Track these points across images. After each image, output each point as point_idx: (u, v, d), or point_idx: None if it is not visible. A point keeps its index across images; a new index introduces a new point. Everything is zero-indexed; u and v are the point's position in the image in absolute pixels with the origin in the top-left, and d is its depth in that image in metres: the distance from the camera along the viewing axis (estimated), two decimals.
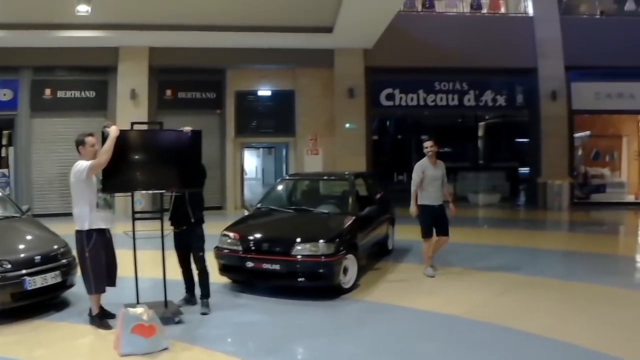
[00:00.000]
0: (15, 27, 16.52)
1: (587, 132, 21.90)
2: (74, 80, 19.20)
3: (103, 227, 7.19)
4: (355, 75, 19.83)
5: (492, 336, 6.66)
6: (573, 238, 15.38)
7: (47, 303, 7.85)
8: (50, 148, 18.60)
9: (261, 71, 20.28)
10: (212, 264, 8.35)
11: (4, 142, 19.37)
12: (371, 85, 20.39)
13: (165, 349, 6.25)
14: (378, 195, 11.16)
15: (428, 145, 9.58)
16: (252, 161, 24.96)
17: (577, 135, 21.60)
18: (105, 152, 6.82)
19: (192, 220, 7.61)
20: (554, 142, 20.58)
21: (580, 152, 22.07)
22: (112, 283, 7.44)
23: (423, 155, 9.67)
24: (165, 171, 7.35)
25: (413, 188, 9.57)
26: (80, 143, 7.12)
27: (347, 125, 19.73)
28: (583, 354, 6.01)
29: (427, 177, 9.46)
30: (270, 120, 20.66)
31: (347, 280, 8.55)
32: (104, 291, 7.27)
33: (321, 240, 8.22)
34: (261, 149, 23.67)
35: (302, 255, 8.17)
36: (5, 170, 18.72)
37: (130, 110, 18.12)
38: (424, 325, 7.15)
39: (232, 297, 8.51)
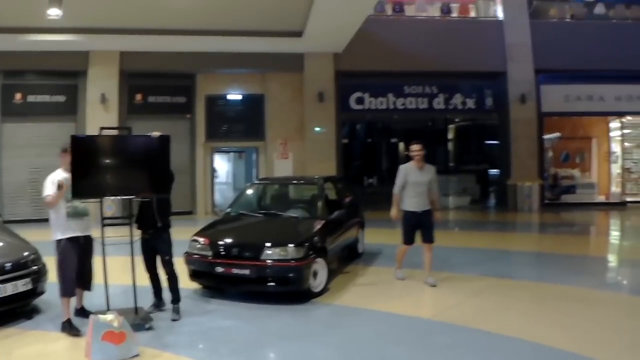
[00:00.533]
0: None
1: (557, 134, 22.23)
2: (44, 84, 19.05)
3: (75, 235, 7.22)
4: (325, 80, 19.93)
5: (462, 338, 6.71)
6: (543, 239, 15.61)
7: (17, 311, 7.76)
8: (20, 153, 18.40)
9: (231, 75, 20.31)
10: (181, 269, 8.35)
11: None
12: (341, 89, 20.49)
13: (136, 355, 6.23)
14: (347, 199, 11.21)
15: (415, 148, 9.21)
16: (222, 165, 24.89)
17: (546, 137, 21.91)
18: (51, 199, 7.11)
19: (159, 225, 7.60)
20: (524, 144, 20.87)
21: (550, 153, 22.40)
22: (87, 287, 7.57)
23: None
24: (134, 177, 7.34)
25: (395, 191, 9.35)
26: (64, 151, 7.20)
27: (317, 129, 19.82)
28: (554, 355, 6.09)
29: (410, 183, 9.16)
30: (240, 125, 20.66)
31: (317, 284, 8.58)
32: (71, 295, 7.31)
33: (290, 245, 8.23)
34: (231, 154, 23.60)
35: (271, 259, 8.16)
36: None
37: (100, 114, 18.02)
38: (394, 328, 7.19)
39: (202, 302, 8.49)
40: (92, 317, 6.39)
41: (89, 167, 7.02)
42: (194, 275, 8.79)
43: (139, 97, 19.67)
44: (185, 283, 8.56)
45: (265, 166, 20.23)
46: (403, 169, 9.31)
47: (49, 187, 7.23)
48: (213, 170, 23.14)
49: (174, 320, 7.58)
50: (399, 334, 6.95)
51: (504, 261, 11.59)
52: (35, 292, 7.89)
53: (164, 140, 7.46)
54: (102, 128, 7.31)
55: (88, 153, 7.08)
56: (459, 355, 6.21)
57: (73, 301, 7.46)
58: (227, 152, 23.18)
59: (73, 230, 7.23)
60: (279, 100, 20.11)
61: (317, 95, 19.74)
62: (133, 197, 7.50)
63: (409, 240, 9.34)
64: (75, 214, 7.22)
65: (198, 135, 20.15)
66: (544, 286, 9.22)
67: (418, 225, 9.27)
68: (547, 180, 21.81)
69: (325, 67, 19.93)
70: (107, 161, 7.23)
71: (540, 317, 7.50)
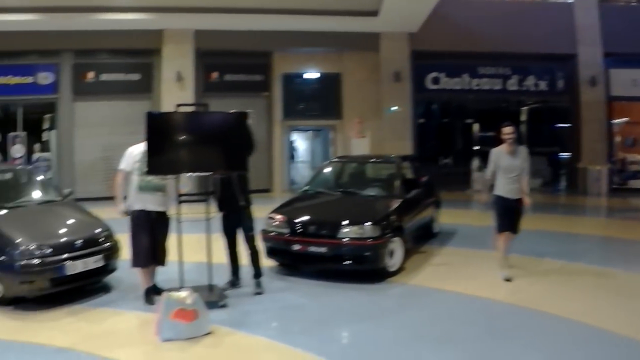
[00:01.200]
0: (55, 10, 16.69)
1: (626, 119, 21.60)
2: (117, 63, 19.26)
3: (147, 209, 7.39)
4: (401, 59, 19.80)
5: (530, 322, 6.69)
6: (612, 224, 15.18)
7: (88, 288, 7.98)
8: (93, 131, 18.72)
9: (307, 54, 20.26)
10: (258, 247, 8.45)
11: (46, 125, 19.49)
12: (416, 69, 20.28)
13: (208, 333, 6.30)
14: (423, 179, 11.10)
15: (506, 131, 8.40)
16: (300, 144, 25.06)
17: (615, 121, 21.33)
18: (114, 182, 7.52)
19: (241, 204, 7.70)
20: (593, 127, 20.45)
21: (618, 138, 21.81)
22: (160, 263, 7.67)
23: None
24: (210, 153, 7.38)
25: (486, 176, 8.71)
26: None
27: (392, 108, 19.72)
28: (620, 342, 6.01)
29: (501, 168, 8.42)
30: (317, 103, 20.58)
31: (393, 263, 8.58)
32: (143, 266, 7.50)
33: (367, 223, 8.24)
34: (309, 132, 23.70)
35: (348, 238, 8.19)
36: (46, 154, 18.88)
37: (175, 93, 18.18)
38: (465, 310, 7.20)
39: (277, 280, 8.58)
40: (164, 294, 6.52)
41: (163, 143, 7.13)
42: (270, 252, 8.87)
43: (214, 75, 19.80)
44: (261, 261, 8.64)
45: (342, 145, 20.15)
46: (494, 153, 8.60)
47: (124, 161, 7.47)
48: (293, 149, 23.39)
49: (257, 293, 7.75)
50: (469, 316, 6.97)
51: (575, 245, 11.39)
52: (106, 269, 8.08)
53: (242, 116, 7.57)
54: (179, 105, 7.48)
55: (163, 130, 7.21)
56: (525, 338, 6.20)
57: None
58: (305, 130, 23.28)
59: (144, 203, 7.39)
60: (355, 79, 20.01)
61: (393, 75, 19.62)
62: (209, 174, 7.65)
63: (503, 226, 8.52)
64: (148, 188, 7.36)
65: (275, 113, 20.19)
66: (612, 272, 8.97)
67: (510, 213, 8.52)
68: (615, 164, 21.22)
69: (400, 47, 19.78)
70: (183, 138, 7.30)
71: (607, 303, 7.38)
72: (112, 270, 8.25)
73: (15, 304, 7.39)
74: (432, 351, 5.90)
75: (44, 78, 18.67)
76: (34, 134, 19.02)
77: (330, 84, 20.45)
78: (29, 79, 18.57)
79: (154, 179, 7.35)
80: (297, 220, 8.67)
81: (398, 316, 7.04)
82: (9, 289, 7.33)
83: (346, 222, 8.33)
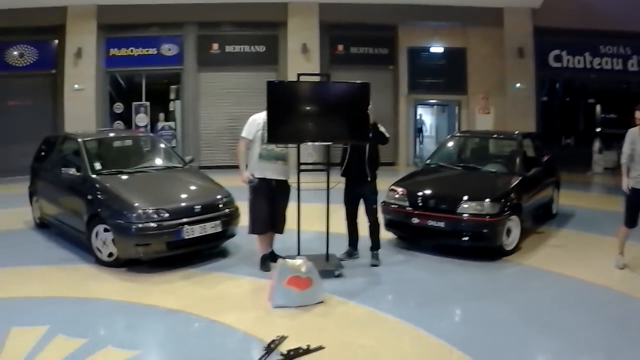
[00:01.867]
0: None
1: None
2: (242, 35, 19.50)
3: (266, 177, 7.42)
4: (524, 35, 18.97)
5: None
6: None
7: (206, 252, 8.18)
8: (217, 101, 19.12)
9: (432, 28, 19.80)
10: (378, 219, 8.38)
11: (171, 96, 19.95)
12: (539, 46, 19.35)
13: (320, 302, 6.30)
14: (545, 158, 10.61)
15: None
16: (427, 119, 24.73)
17: None
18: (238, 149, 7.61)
19: (369, 179, 7.66)
20: None
21: None
22: (279, 230, 7.72)
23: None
24: (332, 123, 7.31)
25: (622, 161, 7.79)
26: None
27: (517, 85, 19.00)
28: None
29: (637, 153, 7.56)
30: (442, 78, 20.15)
31: (510, 242, 8.34)
32: (260, 233, 7.57)
33: (487, 200, 8.03)
34: (436, 107, 23.29)
35: (467, 213, 8.02)
36: (171, 124, 19.40)
37: (301, 64, 18.06)
38: (576, 294, 6.91)
39: (395, 253, 8.54)
40: (279, 261, 6.57)
41: (284, 112, 7.13)
42: (389, 225, 8.84)
43: (340, 47, 19.75)
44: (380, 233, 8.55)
45: (467, 120, 19.67)
46: (630, 134, 7.69)
47: (246, 129, 7.51)
48: (420, 123, 23.09)
49: (373, 265, 7.74)
50: (581, 302, 6.67)
51: None
52: (224, 235, 8.20)
53: (365, 87, 7.40)
54: (300, 74, 7.44)
55: (284, 98, 7.23)
56: (631, 327, 5.89)
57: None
58: (432, 105, 22.91)
59: (265, 171, 7.41)
60: (480, 54, 19.38)
61: (517, 51, 18.82)
62: (330, 143, 7.62)
63: (630, 222, 7.74)
64: (269, 157, 7.38)
65: (400, 87, 19.96)
66: None
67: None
68: None
69: (523, 22, 18.93)
70: (303, 107, 7.30)
71: None
72: (231, 235, 8.40)
73: (129, 266, 7.67)
74: (540, 335, 5.68)
75: (168, 50, 19.18)
76: (158, 103, 19.60)
77: (455, 59, 19.93)
78: (152, 51, 19.14)
79: (275, 148, 7.38)
80: (417, 194, 8.56)
81: (510, 296, 6.85)
82: (123, 251, 7.62)
83: (465, 197, 8.14)
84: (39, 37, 18.59)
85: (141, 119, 19.03)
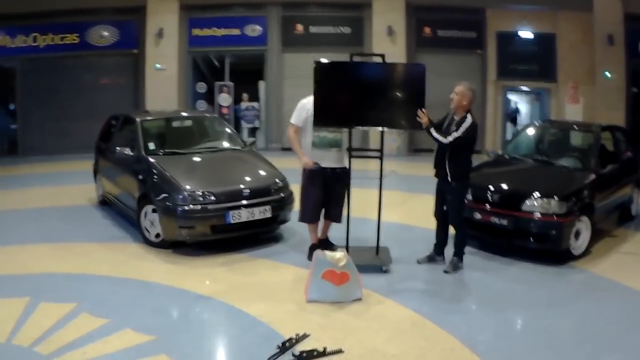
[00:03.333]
0: None
1: None
2: (327, 16, 19.35)
3: (321, 165, 7.07)
4: (614, 21, 17.70)
5: None
6: None
7: (261, 237, 8.03)
8: (302, 82, 18.83)
9: (521, 12, 18.90)
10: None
11: (254, 76, 19.99)
12: (630, 34, 17.97)
13: (358, 299, 5.97)
14: (626, 154, 9.70)
15: None
16: (522, 107, 23.69)
17: None
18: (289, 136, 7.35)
19: (449, 180, 6.94)
20: None
21: None
22: (335, 219, 7.38)
23: None
24: (385, 107, 6.81)
25: None
26: None
27: (608, 74, 17.80)
28: None
29: None
30: (531, 64, 19.28)
31: (578, 245, 7.63)
32: (310, 222, 7.29)
33: (554, 198, 7.35)
34: (529, 94, 22.32)
35: (531, 212, 7.37)
36: (255, 104, 19.43)
37: (386, 46, 17.73)
38: None
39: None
40: (316, 252, 6.14)
41: (332, 94, 6.78)
42: None
43: (427, 30, 19.24)
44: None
45: (557, 109, 18.75)
46: None
47: (295, 114, 7.21)
48: (514, 111, 22.26)
49: (445, 272, 7.03)
50: None
51: None
52: (275, 221, 7.98)
53: (420, 69, 6.93)
54: (352, 54, 7.06)
55: (332, 80, 6.88)
56: None
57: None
58: (525, 92, 21.99)
59: (318, 160, 7.07)
60: (569, 40, 18.40)
61: (607, 38, 17.59)
62: (381, 129, 7.06)
63: None
64: (321, 144, 7.02)
65: (489, 72, 19.26)
66: None
67: None
68: None
69: (614, 6, 17.64)
70: (353, 89, 6.86)
71: None
72: (283, 221, 8.20)
73: (175, 247, 7.60)
74: (592, 358, 5.00)
75: (252, 30, 19.22)
76: (241, 83, 19.67)
77: (544, 45, 19.01)
78: (236, 31, 19.22)
79: (328, 134, 7.01)
80: (481, 188, 7.94)
81: (568, 308, 6.11)
82: (168, 232, 7.54)
83: (531, 194, 7.48)
84: (121, 17, 19.05)
85: (224, 99, 19.20)
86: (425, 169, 8.41)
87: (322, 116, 6.70)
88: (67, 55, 18.71)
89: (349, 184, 7.13)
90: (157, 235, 7.70)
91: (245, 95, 19.40)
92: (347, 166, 7.12)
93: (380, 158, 7.05)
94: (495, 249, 7.84)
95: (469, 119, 6.76)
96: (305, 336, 5.00)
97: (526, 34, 19.23)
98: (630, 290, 6.68)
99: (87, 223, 9.21)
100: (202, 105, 19.44)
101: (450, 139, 6.71)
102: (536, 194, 7.47)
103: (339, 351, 4.78)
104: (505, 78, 19.42)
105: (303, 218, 7.31)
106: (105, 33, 18.87)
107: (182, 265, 7.10)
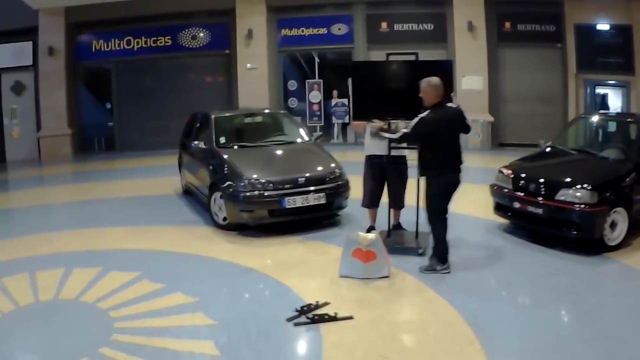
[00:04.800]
0: None
1: None
2: (410, 13, 19.60)
3: (374, 153, 7.91)
4: None
5: None
6: None
7: (325, 222, 8.89)
8: None
9: (598, 3, 18.48)
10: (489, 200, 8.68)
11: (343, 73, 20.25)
12: None
13: (385, 277, 6.59)
14: None
15: None
16: (611, 100, 23.20)
17: None
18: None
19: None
20: None
21: None
22: (397, 206, 8.10)
23: None
24: (416, 101, 7.05)
25: None
26: None
27: None
28: None
29: None
30: (610, 57, 18.84)
31: (615, 236, 7.68)
32: (370, 207, 8.19)
33: (585, 187, 7.56)
34: (617, 88, 21.83)
35: (565, 201, 7.64)
36: (344, 100, 19.80)
37: (468, 42, 18.30)
38: None
39: (495, 237, 8.40)
40: (348, 233, 6.95)
41: (368, 91, 7.57)
42: (497, 207, 8.73)
43: (507, 24, 19.24)
44: (490, 215, 8.76)
45: (637, 103, 18.21)
46: None
47: None
48: (600, 105, 21.90)
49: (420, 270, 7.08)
50: None
51: None
52: (330, 206, 8.78)
53: (446, 64, 7.64)
54: (389, 54, 7.76)
55: (368, 78, 7.69)
56: None
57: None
58: (613, 86, 21.53)
59: (373, 149, 7.92)
60: None
61: None
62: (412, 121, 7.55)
63: None
64: (377, 134, 7.64)
65: (569, 65, 18.96)
66: None
67: None
68: None
69: None
70: (387, 85, 7.69)
71: None
72: (338, 207, 9.01)
73: (240, 230, 8.60)
74: (590, 348, 5.07)
75: (338, 29, 19.87)
76: (331, 80, 20.42)
77: (621, 37, 18.49)
78: (323, 30, 19.96)
79: (383, 126, 7.61)
80: (521, 177, 8.39)
81: (581, 296, 6.35)
82: (231, 215, 8.55)
83: (563, 184, 7.81)
84: (212, 20, 20.30)
85: (314, 96, 20.10)
86: (504, 162, 9.03)
87: (359, 110, 7.63)
88: (160, 57, 20.23)
89: (405, 171, 7.98)
90: (224, 219, 8.71)
91: (334, 92, 20.05)
92: (405, 155, 7.92)
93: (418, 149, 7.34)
94: (538, 238, 8.12)
95: (420, 115, 6.84)
96: (325, 304, 5.79)
97: (603, 26, 18.84)
98: None
99: (168, 210, 10.46)
100: (293, 102, 20.39)
101: (397, 135, 7.15)
102: (569, 184, 7.76)
103: (350, 317, 5.53)
104: (585, 71, 19.08)
105: (363, 203, 8.26)
106: (200, 34, 20.17)
107: (240, 245, 8.11)
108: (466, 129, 7.04)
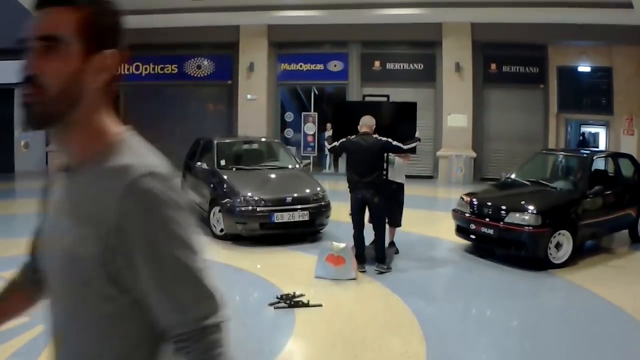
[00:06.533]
0: (343, 7, 19.02)
1: None
2: (402, 53, 20.78)
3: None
4: None
5: None
6: None
7: (304, 237, 10.08)
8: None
9: (579, 47, 19.75)
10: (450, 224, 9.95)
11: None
12: None
13: (353, 279, 7.89)
14: (634, 178, 10.76)
15: None
16: (590, 138, 24.09)
17: None
18: None
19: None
20: None
21: None
22: (394, 224, 9.31)
23: None
24: (387, 135, 8.44)
25: None
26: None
27: None
28: None
29: None
30: (590, 98, 20.07)
31: (560, 255, 8.82)
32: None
33: (530, 211, 8.77)
34: (596, 126, 22.68)
35: (513, 223, 8.79)
36: None
37: (455, 82, 19.40)
38: (590, 311, 7.18)
39: (456, 256, 9.67)
40: (324, 242, 8.41)
41: (346, 126, 8.87)
42: (458, 230, 9.93)
43: (493, 66, 20.24)
44: (454, 237, 9.98)
45: (615, 141, 19.37)
46: None
47: None
48: (583, 142, 22.89)
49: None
50: (587, 317, 6.99)
51: None
52: (313, 223, 10.07)
53: (412, 106, 9.00)
54: (365, 96, 9.13)
55: (346, 115, 9.21)
56: (612, 346, 6.10)
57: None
58: (593, 124, 22.36)
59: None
60: (624, 74, 18.93)
61: None
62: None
63: None
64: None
65: (551, 105, 20.02)
66: None
67: None
68: None
69: None
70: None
71: None
72: (320, 225, 10.28)
73: (234, 240, 9.92)
74: (510, 339, 6.41)
75: (334, 66, 21.10)
76: (325, 113, 21.33)
77: (601, 78, 19.68)
78: (320, 66, 21.23)
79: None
80: (478, 203, 9.59)
81: (518, 302, 7.57)
82: (228, 227, 9.88)
83: (512, 208, 9.03)
84: (216, 52, 21.81)
85: (309, 128, 21.33)
86: None
87: (338, 139, 8.89)
88: (166, 84, 21.74)
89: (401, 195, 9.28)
90: (221, 230, 10.03)
91: (328, 125, 20.95)
92: (402, 182, 9.24)
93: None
94: (485, 254, 9.47)
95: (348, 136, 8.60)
96: (301, 295, 7.08)
97: (585, 68, 20.00)
98: (588, 292, 7.78)
99: None
100: (289, 132, 21.71)
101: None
102: (517, 208, 9.03)
103: (319, 305, 6.86)
104: (566, 111, 20.20)
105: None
106: (204, 64, 21.66)
107: (235, 251, 9.45)
108: (386, 150, 8.49)
